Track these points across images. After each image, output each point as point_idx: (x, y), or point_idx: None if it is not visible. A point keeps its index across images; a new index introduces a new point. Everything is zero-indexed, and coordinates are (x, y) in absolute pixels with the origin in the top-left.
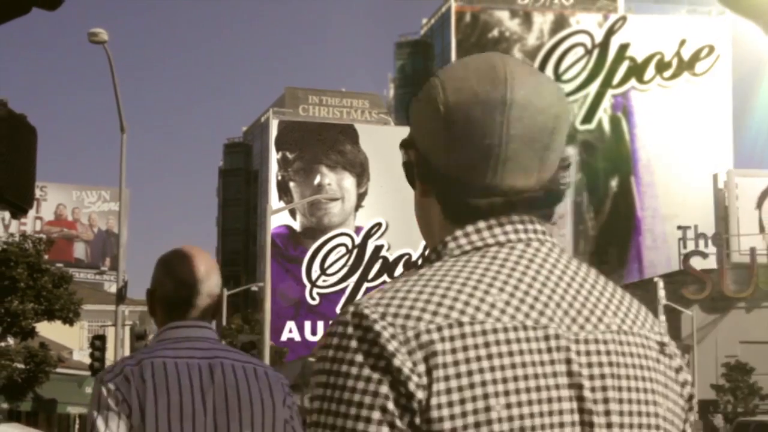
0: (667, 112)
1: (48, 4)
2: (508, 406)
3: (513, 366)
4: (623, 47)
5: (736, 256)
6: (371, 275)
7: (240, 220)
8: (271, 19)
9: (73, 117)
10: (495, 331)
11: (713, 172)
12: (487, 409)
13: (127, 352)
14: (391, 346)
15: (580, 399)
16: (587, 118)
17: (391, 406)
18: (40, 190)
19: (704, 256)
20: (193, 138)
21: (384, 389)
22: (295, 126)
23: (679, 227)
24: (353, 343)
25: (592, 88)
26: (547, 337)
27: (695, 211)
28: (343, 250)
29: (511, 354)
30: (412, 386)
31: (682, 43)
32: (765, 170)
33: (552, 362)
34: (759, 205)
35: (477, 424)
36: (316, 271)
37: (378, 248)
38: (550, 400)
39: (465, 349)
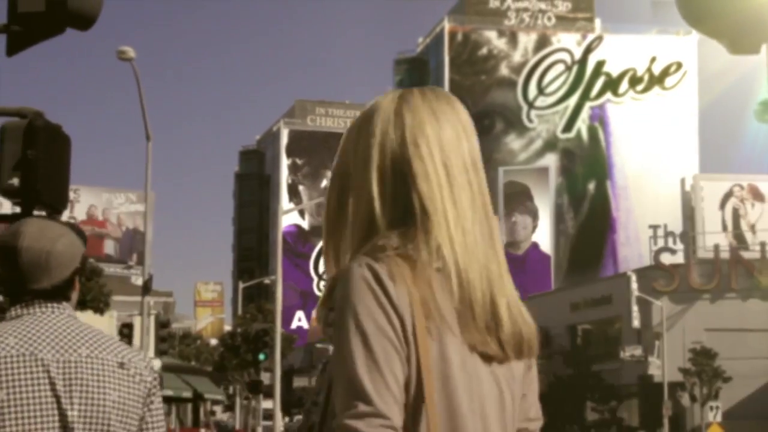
0: (640, 122)
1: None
2: (9, 395)
3: (15, 376)
4: (600, 64)
5: (702, 252)
6: None
7: (254, 219)
8: (282, 38)
9: (103, 126)
10: (7, 357)
11: (681, 176)
12: None
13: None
14: None
15: (56, 397)
16: (567, 127)
17: None
18: (74, 193)
19: (673, 252)
20: (212, 146)
21: None
22: (303, 135)
23: (650, 226)
24: None
25: (572, 101)
26: (37, 361)
27: (665, 211)
28: None
29: (16, 370)
30: None
31: (653, 60)
32: (727, 174)
33: (39, 374)
34: (722, 206)
35: None
36: (322, 265)
37: None
38: (36, 396)
39: None
